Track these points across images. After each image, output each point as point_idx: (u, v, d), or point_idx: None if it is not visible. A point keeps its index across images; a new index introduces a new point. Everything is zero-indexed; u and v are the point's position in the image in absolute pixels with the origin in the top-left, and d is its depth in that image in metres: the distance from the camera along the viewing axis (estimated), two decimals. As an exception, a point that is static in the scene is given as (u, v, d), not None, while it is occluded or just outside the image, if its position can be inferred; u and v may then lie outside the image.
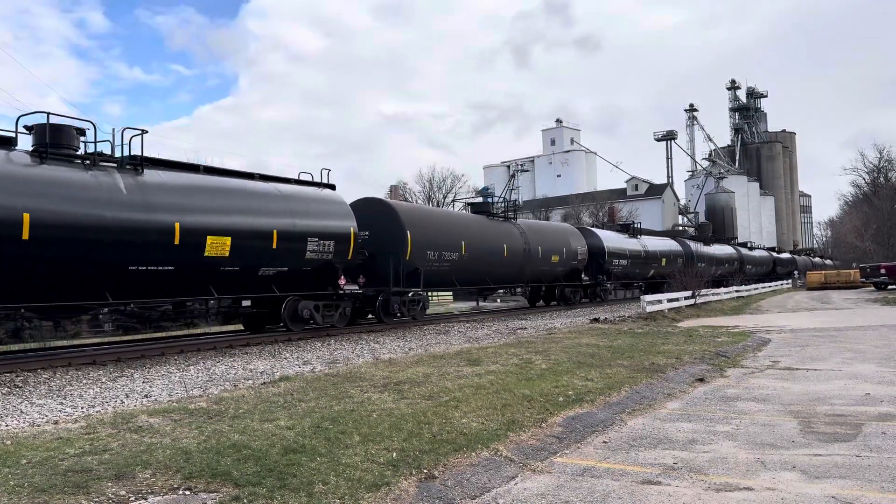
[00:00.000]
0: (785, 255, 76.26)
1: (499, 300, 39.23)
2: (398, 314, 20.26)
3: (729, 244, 57.15)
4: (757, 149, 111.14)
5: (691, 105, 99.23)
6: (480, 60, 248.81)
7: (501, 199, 31.84)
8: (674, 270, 37.74)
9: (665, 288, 39.32)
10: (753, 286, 46.19)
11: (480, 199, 31.06)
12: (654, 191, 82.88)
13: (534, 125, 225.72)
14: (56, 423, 7.18)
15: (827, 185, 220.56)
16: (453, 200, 25.10)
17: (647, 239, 39.03)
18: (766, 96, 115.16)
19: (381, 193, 72.04)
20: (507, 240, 25.34)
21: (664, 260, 38.94)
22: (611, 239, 34.39)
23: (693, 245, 44.44)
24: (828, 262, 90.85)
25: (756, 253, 62.48)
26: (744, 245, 62.62)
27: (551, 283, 29.97)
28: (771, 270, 64.84)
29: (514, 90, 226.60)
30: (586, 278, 31.52)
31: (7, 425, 7.33)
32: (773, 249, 74.22)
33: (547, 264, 28.06)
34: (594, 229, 35.65)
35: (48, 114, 12.35)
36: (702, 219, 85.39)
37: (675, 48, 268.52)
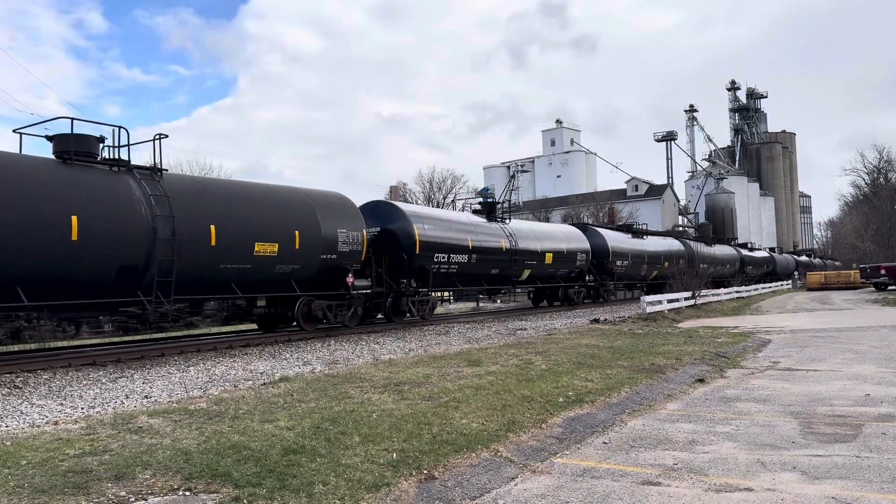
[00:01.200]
0: (760, 254, 62.86)
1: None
2: None
3: (677, 238, 44.38)
4: (757, 149, 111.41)
5: (691, 106, 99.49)
6: (477, 61, 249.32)
7: (119, 132, 13.72)
8: (572, 271, 30.35)
9: (561, 294, 30.21)
10: (754, 287, 46.02)
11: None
12: (655, 191, 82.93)
13: (531, 126, 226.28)
14: (56, 423, 7.19)
15: (826, 185, 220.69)
16: (39, 123, 12.18)
17: (521, 225, 27.87)
18: (765, 97, 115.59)
19: (380, 195, 71.63)
20: (82, 209, 12.17)
21: (549, 256, 27.46)
22: (433, 222, 21.78)
23: (612, 237, 33.52)
24: (816, 261, 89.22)
25: (716, 250, 48.83)
26: (702, 239, 49.69)
27: (276, 294, 16.31)
28: (738, 271, 51.89)
29: (511, 91, 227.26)
30: (364, 283, 18.28)
31: (7, 426, 7.34)
32: (743, 246, 60.03)
33: (245, 260, 14.85)
34: (400, 205, 22.40)
35: None
36: (702, 219, 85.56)
37: (671, 49, 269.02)
